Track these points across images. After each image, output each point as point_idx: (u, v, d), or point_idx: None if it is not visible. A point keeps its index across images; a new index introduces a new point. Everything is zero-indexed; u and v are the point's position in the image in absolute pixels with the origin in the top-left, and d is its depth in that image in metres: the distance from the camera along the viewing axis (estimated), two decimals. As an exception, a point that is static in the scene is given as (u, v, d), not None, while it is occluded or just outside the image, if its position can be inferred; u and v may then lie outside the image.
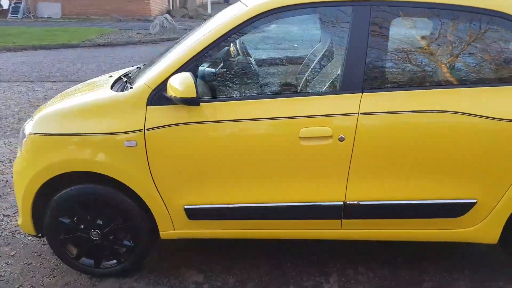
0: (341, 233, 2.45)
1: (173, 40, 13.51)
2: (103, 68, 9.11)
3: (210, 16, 19.94)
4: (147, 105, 2.30)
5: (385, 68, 2.30)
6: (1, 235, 3.08)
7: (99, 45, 12.21)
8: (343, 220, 2.39)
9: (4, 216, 3.34)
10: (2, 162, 4.35)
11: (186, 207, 2.41)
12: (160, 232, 2.50)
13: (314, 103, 2.26)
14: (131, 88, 2.40)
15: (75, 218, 2.50)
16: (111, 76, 2.93)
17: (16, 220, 3.25)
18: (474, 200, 2.30)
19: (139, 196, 2.41)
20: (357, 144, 2.23)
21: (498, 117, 2.15)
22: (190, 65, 2.28)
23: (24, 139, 2.52)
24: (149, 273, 2.64)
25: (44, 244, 2.95)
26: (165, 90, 2.26)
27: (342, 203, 2.34)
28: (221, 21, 2.33)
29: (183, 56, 2.29)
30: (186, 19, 19.07)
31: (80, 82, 7.89)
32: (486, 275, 2.57)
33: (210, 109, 2.26)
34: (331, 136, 2.23)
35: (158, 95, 2.29)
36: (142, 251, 2.56)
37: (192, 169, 2.34)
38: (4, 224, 3.22)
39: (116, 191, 2.41)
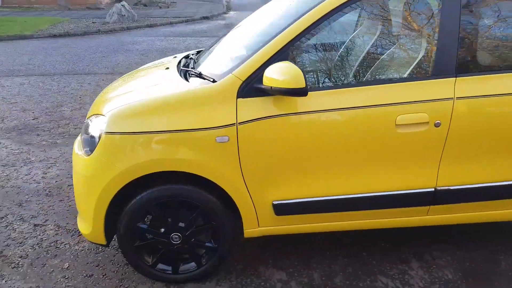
0: (427, 220, 2.46)
1: (135, 29, 12.92)
2: (71, 59, 8.54)
3: (165, 3, 19.32)
4: (237, 98, 2.16)
5: (477, 51, 2.31)
6: (42, 247, 2.80)
7: (55, 36, 11.40)
8: (431, 207, 2.40)
9: (35, 225, 3.04)
10: (4, 166, 3.94)
11: (274, 202, 2.30)
12: (244, 231, 2.38)
13: (409, 90, 2.22)
14: (213, 80, 2.24)
15: (154, 222, 2.32)
16: (167, 68, 2.72)
17: (52, 230, 2.98)
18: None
19: (222, 194, 2.27)
20: (452, 129, 2.24)
21: None
22: (284, 53, 2.16)
23: (89, 139, 2.28)
24: (228, 275, 2.51)
25: (97, 253, 2.73)
26: (257, 81, 2.14)
27: (433, 189, 2.34)
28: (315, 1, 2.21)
29: (275, 43, 2.16)
30: (140, 7, 18.28)
31: (52, 75, 7.49)
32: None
33: (308, 99, 2.16)
34: (427, 123, 2.22)
35: (249, 87, 2.16)
36: (225, 252, 2.42)
37: (285, 163, 2.23)
38: (39, 234, 2.93)
39: (201, 190, 2.25)
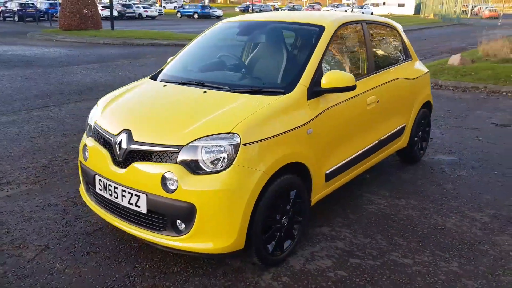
0: (376, 160, 3.93)
1: None
2: None
3: None
4: (307, 100, 2.95)
5: (377, 58, 3.94)
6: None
7: None
8: (376, 152, 3.88)
9: None
10: None
11: (326, 172, 3.21)
12: (311, 200, 3.14)
13: (368, 82, 3.61)
14: (283, 91, 2.92)
15: (275, 212, 2.76)
16: (205, 91, 3.03)
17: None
18: (405, 124, 4.34)
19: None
20: (381, 102, 3.78)
21: (412, 77, 4.28)
22: (320, 66, 3.11)
23: (204, 159, 2.51)
24: (301, 242, 3.15)
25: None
26: (314, 85, 3.02)
27: (377, 141, 3.83)
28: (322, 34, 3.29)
29: (311, 63, 3.09)
30: None
31: None
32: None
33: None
34: (375, 101, 3.67)
35: (311, 91, 3.00)
36: (306, 223, 3.09)
37: (333, 139, 3.19)
38: None
39: (295, 175, 2.88)
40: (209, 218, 2.51)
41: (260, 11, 60.43)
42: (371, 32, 3.97)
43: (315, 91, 3.00)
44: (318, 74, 3.06)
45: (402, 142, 4.41)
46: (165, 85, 3.31)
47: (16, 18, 33.63)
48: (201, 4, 50.55)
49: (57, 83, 9.54)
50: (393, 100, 4.01)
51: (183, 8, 48.94)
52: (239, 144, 2.50)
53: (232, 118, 2.63)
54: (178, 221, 2.60)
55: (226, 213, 2.51)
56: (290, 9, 56.87)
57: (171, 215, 2.59)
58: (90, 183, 3.07)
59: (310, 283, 2.72)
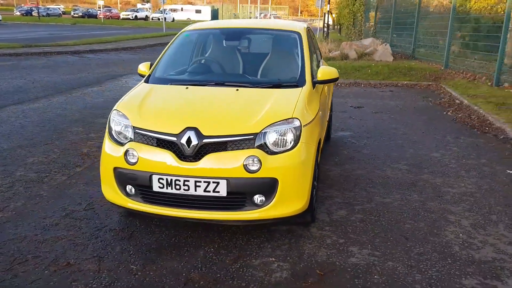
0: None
1: None
2: None
3: None
4: (313, 90, 3.85)
5: (317, 56, 5.02)
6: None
7: None
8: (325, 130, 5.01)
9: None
10: None
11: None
12: (316, 169, 4.03)
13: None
14: (296, 84, 3.74)
15: (314, 178, 3.55)
16: (237, 89, 3.58)
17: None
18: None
19: None
20: (327, 93, 4.90)
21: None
22: (311, 64, 4.03)
23: (289, 137, 3.18)
24: (311, 204, 4.01)
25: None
26: (314, 78, 3.93)
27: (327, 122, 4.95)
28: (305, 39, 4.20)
29: (307, 61, 3.99)
30: None
31: None
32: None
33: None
34: (326, 92, 4.78)
35: (313, 83, 3.90)
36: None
37: (322, 120, 4.13)
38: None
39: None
40: (288, 188, 3.14)
41: (48, 15, 55.15)
42: (311, 35, 5.04)
43: (314, 82, 3.90)
44: (313, 69, 3.96)
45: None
46: (187, 87, 3.69)
47: None
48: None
49: None
50: (328, 91, 5.18)
51: None
52: (301, 126, 3.23)
53: (287, 108, 3.32)
54: (256, 196, 3.13)
55: (301, 182, 3.20)
56: (84, 13, 53.64)
57: (251, 192, 3.11)
58: (142, 185, 3.23)
59: (345, 226, 3.63)
